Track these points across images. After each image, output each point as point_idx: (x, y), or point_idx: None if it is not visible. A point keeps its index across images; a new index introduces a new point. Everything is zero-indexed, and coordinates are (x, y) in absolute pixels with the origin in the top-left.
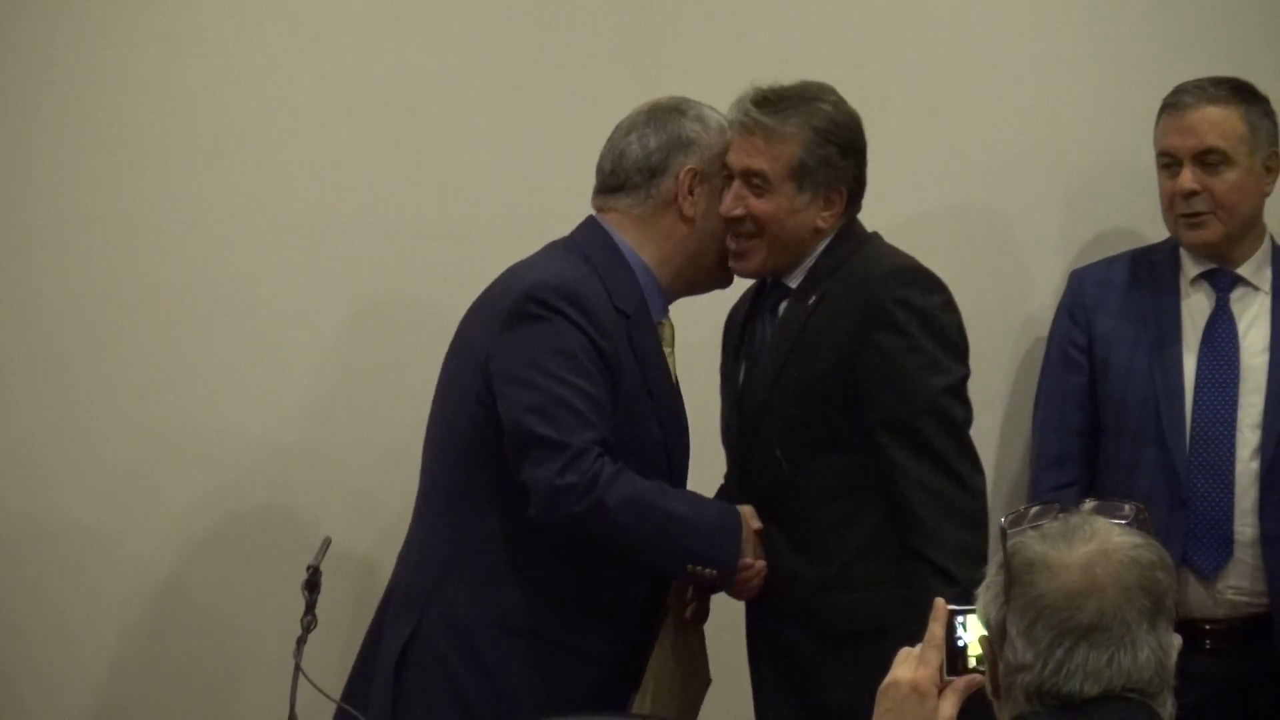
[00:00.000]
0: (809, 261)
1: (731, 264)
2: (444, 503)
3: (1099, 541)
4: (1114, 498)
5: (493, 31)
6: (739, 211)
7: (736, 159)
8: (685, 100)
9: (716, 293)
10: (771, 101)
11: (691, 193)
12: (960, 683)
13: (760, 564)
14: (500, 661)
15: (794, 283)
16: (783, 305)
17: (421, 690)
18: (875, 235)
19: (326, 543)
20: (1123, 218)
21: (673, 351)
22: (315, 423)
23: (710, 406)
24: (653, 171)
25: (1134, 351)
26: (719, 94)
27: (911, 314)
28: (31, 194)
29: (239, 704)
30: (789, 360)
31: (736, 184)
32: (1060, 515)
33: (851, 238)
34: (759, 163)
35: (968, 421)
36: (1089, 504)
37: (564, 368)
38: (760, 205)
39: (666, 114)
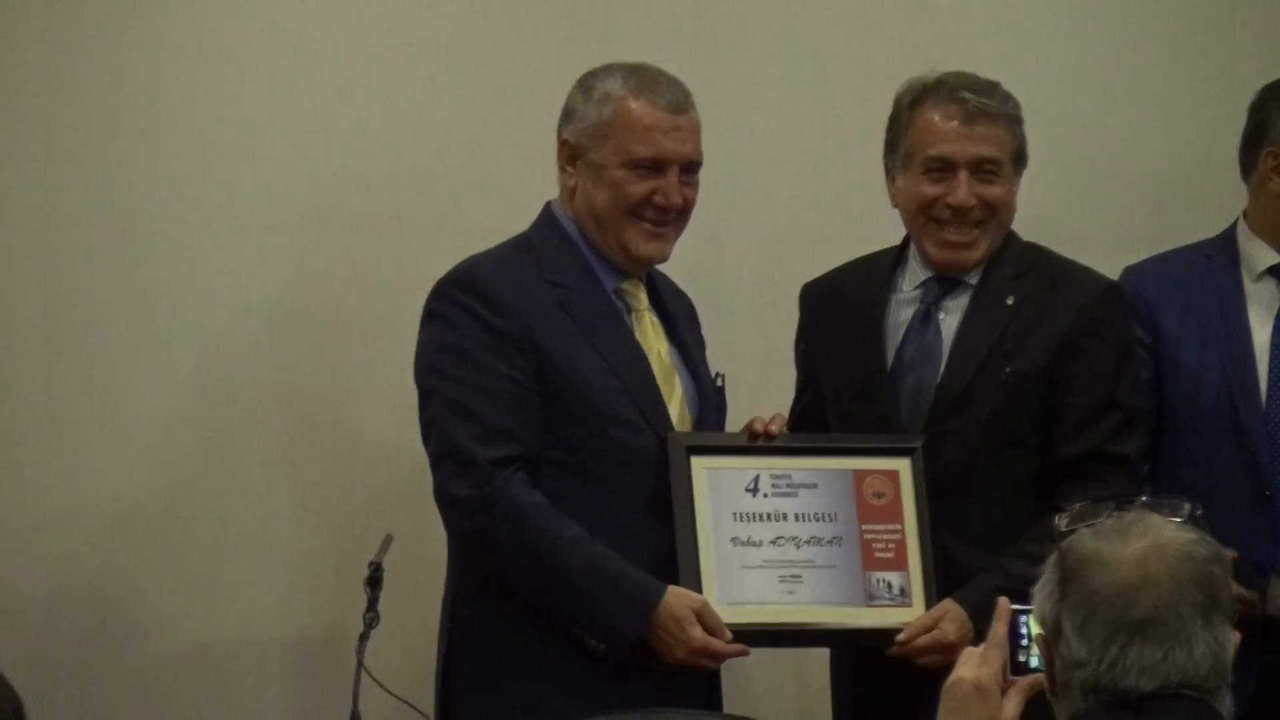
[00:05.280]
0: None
1: (949, 255)
2: None
3: (1152, 537)
4: (1182, 497)
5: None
6: (973, 202)
7: (961, 149)
8: (605, 66)
9: None
10: (984, 87)
11: (572, 165)
12: (1024, 682)
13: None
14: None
15: (973, 279)
16: (950, 301)
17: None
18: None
19: (388, 540)
20: (1173, 215)
21: (648, 308)
22: (379, 418)
23: None
24: (557, 142)
25: (1203, 349)
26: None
27: (1121, 333)
28: (30, 193)
29: (302, 701)
30: (992, 356)
31: (964, 175)
32: (1114, 513)
33: (1013, 236)
34: (991, 149)
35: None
36: (1143, 501)
37: (457, 365)
38: (993, 191)
39: (575, 82)
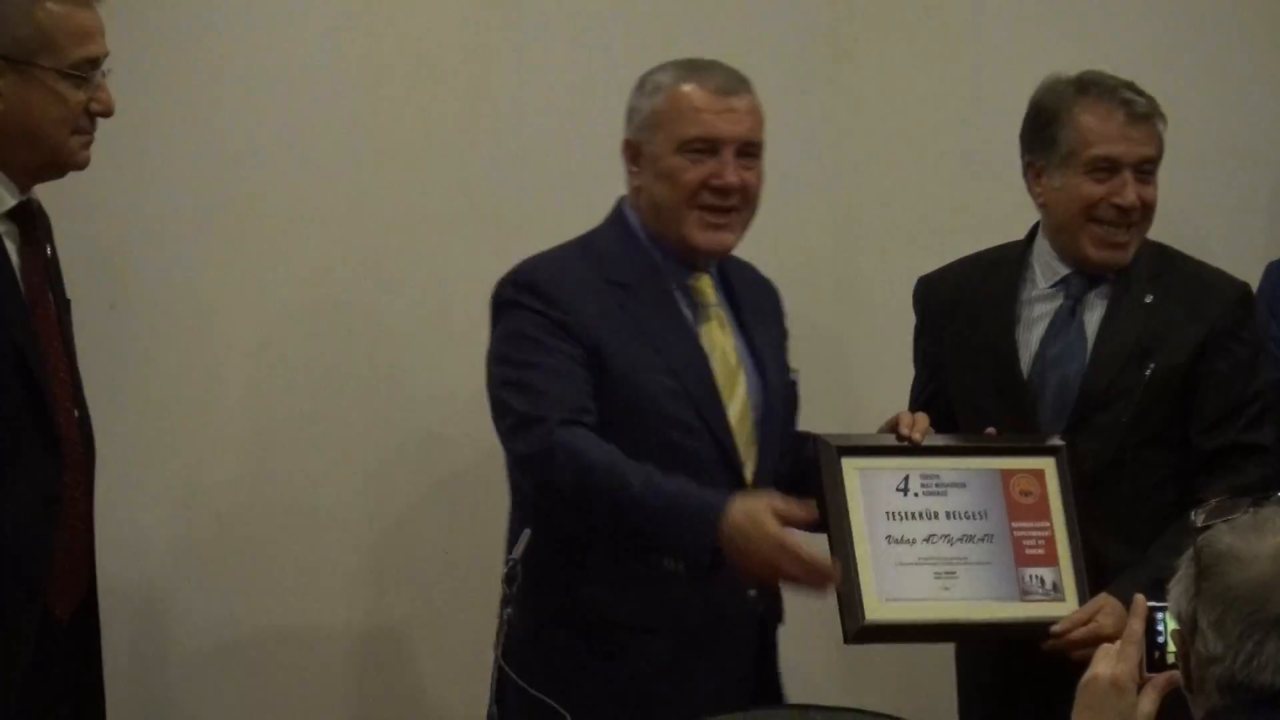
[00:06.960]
0: None
1: (1107, 255)
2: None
3: None
4: None
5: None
6: (1138, 202)
7: (1129, 149)
8: (660, 64)
9: None
10: (1136, 87)
11: (635, 163)
12: (1160, 679)
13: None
14: (553, 651)
15: (1109, 276)
16: (1089, 297)
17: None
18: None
19: (527, 536)
20: None
21: (717, 304)
22: None
23: None
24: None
25: None
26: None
27: (1255, 332)
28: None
29: (439, 698)
30: (1134, 354)
31: (1127, 174)
32: (1251, 508)
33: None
34: (1152, 149)
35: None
36: (1279, 496)
37: (518, 349)
38: (1150, 192)
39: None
